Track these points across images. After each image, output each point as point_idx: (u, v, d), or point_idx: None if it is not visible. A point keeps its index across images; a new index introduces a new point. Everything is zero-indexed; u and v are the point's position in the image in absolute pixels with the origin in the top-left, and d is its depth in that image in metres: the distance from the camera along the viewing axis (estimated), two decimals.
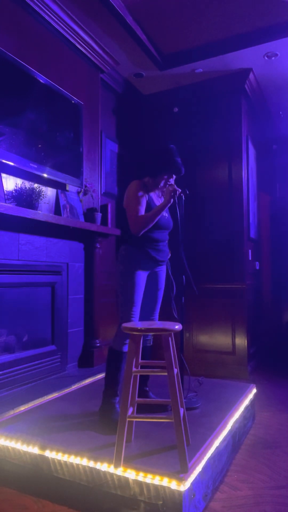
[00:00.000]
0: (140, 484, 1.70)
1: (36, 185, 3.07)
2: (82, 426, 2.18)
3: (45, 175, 3.11)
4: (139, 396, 2.39)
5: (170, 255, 2.54)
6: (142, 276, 2.34)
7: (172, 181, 2.44)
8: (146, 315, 2.47)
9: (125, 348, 2.30)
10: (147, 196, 2.38)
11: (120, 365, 2.29)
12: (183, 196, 2.43)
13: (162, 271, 2.51)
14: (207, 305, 4.27)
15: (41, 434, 2.08)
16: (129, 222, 2.34)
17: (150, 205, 2.37)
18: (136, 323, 2.02)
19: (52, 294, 3.31)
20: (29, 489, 1.98)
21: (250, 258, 4.50)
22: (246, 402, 2.65)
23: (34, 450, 1.97)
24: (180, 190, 2.33)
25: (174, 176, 2.44)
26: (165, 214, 2.45)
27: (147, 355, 2.47)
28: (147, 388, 2.48)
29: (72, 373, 3.37)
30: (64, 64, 3.52)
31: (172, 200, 2.30)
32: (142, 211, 2.33)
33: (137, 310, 2.32)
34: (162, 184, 2.41)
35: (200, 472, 1.77)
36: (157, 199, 2.46)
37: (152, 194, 2.42)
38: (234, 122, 4.28)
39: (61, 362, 3.34)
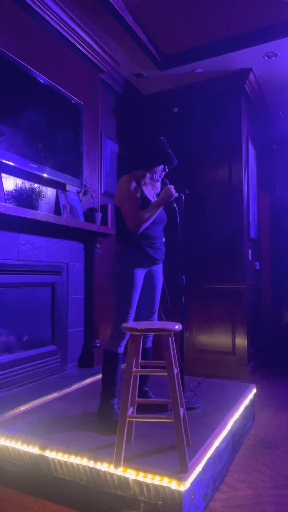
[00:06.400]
0: (140, 484, 1.70)
1: (36, 185, 3.07)
2: (82, 426, 2.18)
3: (45, 175, 3.11)
4: (139, 396, 2.38)
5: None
6: (139, 276, 2.31)
7: (163, 174, 2.42)
8: (145, 316, 2.45)
9: (121, 350, 2.28)
10: (139, 190, 2.33)
11: (117, 367, 2.27)
12: (183, 196, 2.43)
13: (159, 271, 2.47)
14: (207, 305, 4.27)
15: (41, 434, 2.08)
16: (126, 220, 2.27)
17: (143, 200, 2.32)
18: (135, 323, 2.01)
19: (52, 294, 3.31)
20: (29, 489, 1.98)
21: (250, 258, 4.50)
22: (246, 402, 2.65)
23: (34, 450, 1.97)
24: (177, 195, 2.32)
25: (167, 169, 2.42)
26: None
27: (147, 356, 2.46)
28: (147, 389, 2.47)
29: (72, 373, 3.37)
30: (64, 64, 3.52)
31: (167, 201, 2.29)
32: (138, 207, 2.27)
33: (133, 311, 2.29)
34: (157, 176, 2.39)
35: (200, 472, 1.77)
36: (149, 192, 2.41)
37: (144, 188, 2.37)
38: (234, 122, 4.28)
39: (61, 362, 3.34)
